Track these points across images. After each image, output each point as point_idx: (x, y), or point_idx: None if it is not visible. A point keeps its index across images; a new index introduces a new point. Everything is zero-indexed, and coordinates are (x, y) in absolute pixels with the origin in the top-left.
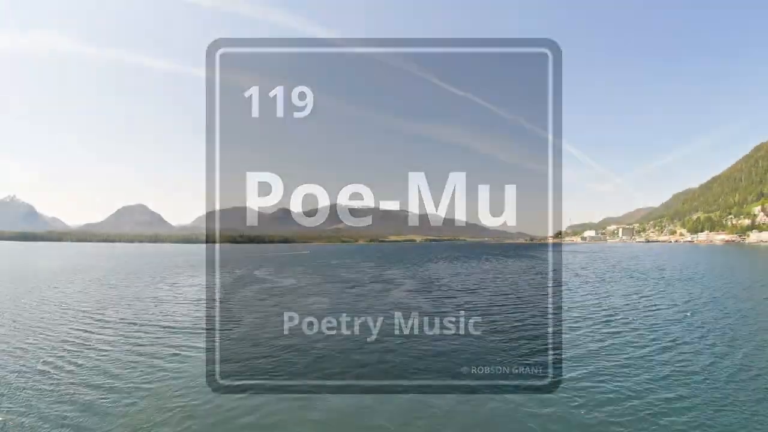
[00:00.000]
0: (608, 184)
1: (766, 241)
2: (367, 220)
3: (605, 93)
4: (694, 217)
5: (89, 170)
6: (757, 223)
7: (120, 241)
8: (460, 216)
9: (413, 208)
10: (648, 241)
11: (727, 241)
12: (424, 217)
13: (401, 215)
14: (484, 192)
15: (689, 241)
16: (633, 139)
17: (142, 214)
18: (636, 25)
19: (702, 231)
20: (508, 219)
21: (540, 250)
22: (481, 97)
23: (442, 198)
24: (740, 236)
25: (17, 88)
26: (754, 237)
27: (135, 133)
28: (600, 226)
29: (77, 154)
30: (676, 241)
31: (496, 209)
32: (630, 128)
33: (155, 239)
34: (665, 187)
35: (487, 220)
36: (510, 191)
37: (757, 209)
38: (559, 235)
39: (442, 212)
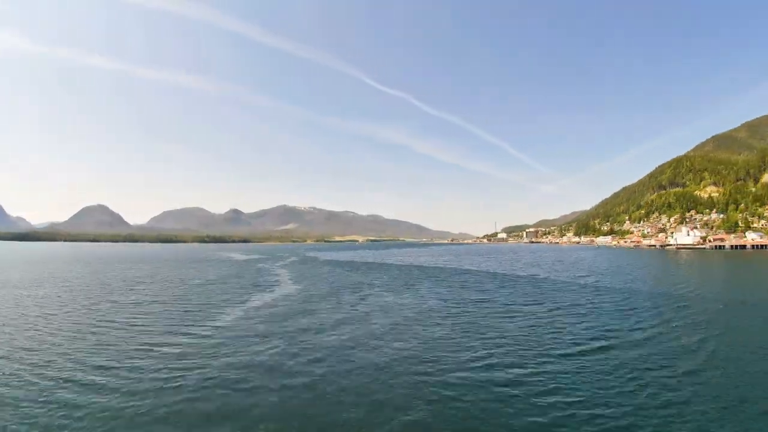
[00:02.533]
0: (553, 186)
1: (602, 243)
2: (315, 221)
3: (551, 94)
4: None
5: (52, 170)
6: (617, 230)
7: (103, 240)
8: (405, 218)
9: (358, 210)
10: (531, 242)
11: (576, 242)
12: (368, 218)
13: (347, 216)
14: (426, 195)
15: (556, 242)
16: (582, 141)
17: (102, 214)
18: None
19: (583, 235)
20: (447, 221)
21: (425, 247)
22: (417, 99)
23: (385, 200)
24: (591, 240)
25: None
26: (597, 240)
27: (93, 134)
28: (534, 228)
29: (40, 154)
30: (550, 242)
31: (437, 212)
32: (579, 131)
33: (131, 239)
34: (610, 189)
35: (428, 221)
36: (450, 195)
37: (626, 217)
38: (486, 236)
39: (386, 214)
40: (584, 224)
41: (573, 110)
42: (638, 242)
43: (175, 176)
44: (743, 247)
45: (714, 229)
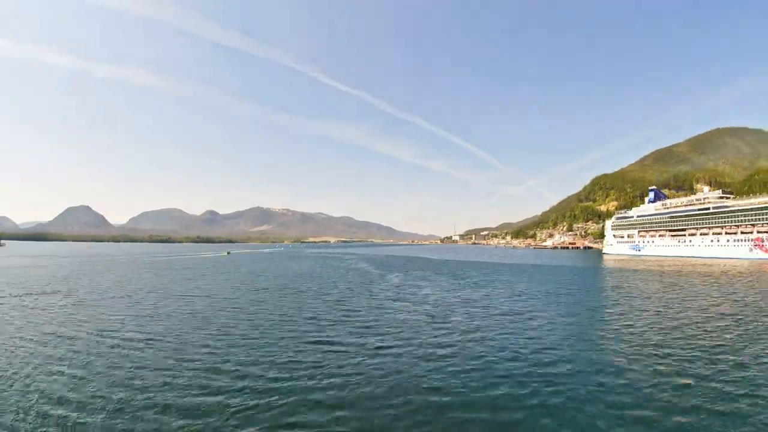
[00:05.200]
0: (520, 187)
1: (505, 245)
2: (289, 222)
3: (518, 95)
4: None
5: (31, 171)
6: (536, 236)
7: (104, 240)
8: (376, 220)
9: (331, 211)
10: (474, 243)
11: (502, 243)
12: (341, 220)
13: (320, 217)
14: (396, 197)
15: (489, 244)
16: (550, 142)
17: (86, 214)
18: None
19: (514, 239)
20: (416, 223)
21: (388, 246)
22: (377, 98)
23: (356, 201)
24: (507, 243)
25: None
26: (513, 243)
27: (69, 134)
28: (497, 229)
29: (18, 155)
30: (487, 243)
31: (406, 214)
32: (547, 131)
33: (129, 239)
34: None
35: (398, 223)
36: (419, 198)
37: (550, 224)
38: (443, 239)
39: (357, 216)
40: (518, 230)
41: (542, 112)
42: (528, 243)
43: (151, 177)
44: (587, 247)
45: (590, 235)
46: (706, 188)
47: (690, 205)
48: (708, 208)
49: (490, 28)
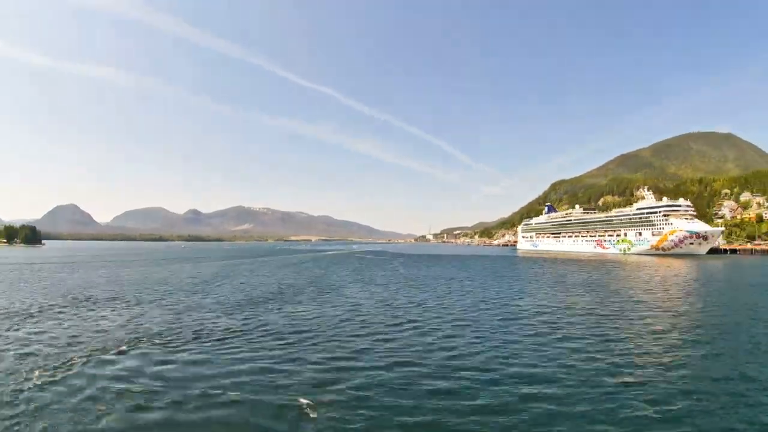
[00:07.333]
0: (497, 187)
1: (474, 243)
2: (270, 221)
3: (488, 94)
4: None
5: (22, 169)
6: (495, 235)
7: (102, 239)
8: (356, 219)
9: (311, 210)
10: (443, 242)
11: (462, 242)
12: (320, 219)
13: (300, 216)
14: (375, 197)
15: (456, 243)
16: (528, 143)
17: (74, 213)
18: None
19: (480, 237)
20: (395, 222)
21: (364, 244)
22: (349, 97)
23: (336, 201)
24: (471, 241)
25: None
26: (476, 241)
27: (49, 133)
28: (471, 229)
29: (11, 153)
30: (455, 242)
31: (386, 213)
32: (526, 130)
33: (126, 238)
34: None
35: (378, 223)
36: (398, 197)
37: (510, 225)
38: (417, 238)
39: (336, 215)
40: (483, 230)
41: (535, 111)
42: (484, 242)
43: (133, 176)
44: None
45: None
46: (577, 206)
47: (563, 217)
48: (571, 220)
49: (477, 26)
